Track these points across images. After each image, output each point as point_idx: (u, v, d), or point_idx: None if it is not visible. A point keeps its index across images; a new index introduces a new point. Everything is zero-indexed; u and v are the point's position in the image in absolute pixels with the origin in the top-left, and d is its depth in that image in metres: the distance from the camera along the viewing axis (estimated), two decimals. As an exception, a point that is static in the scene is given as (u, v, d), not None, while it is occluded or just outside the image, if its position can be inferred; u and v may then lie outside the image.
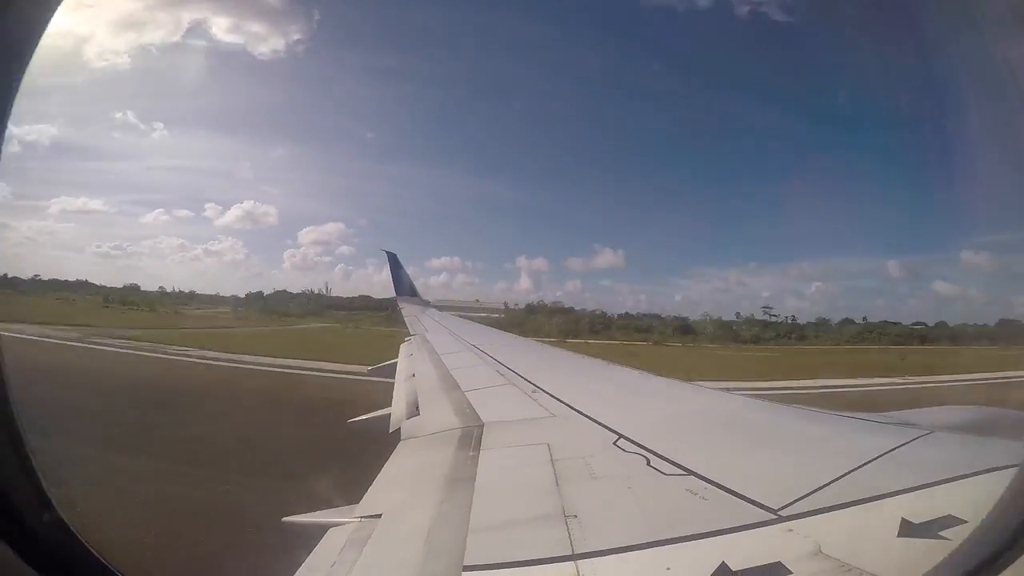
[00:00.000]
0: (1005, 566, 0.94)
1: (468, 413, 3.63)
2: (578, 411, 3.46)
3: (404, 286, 15.99)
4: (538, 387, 4.25)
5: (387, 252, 16.84)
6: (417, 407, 4.10)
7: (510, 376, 4.84)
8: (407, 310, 12.86)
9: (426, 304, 15.10)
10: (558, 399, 3.82)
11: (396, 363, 6.78)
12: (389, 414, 4.27)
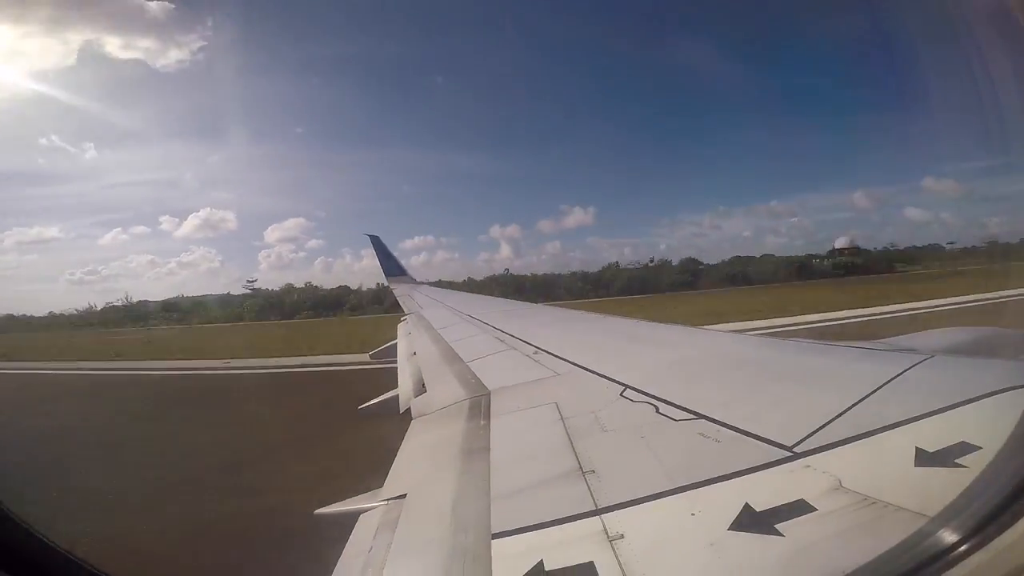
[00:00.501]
0: None
1: (473, 383, 3.65)
2: (581, 367, 3.49)
3: (392, 267, 15.92)
4: (539, 348, 4.27)
5: (370, 236, 16.66)
6: (423, 384, 4.11)
7: (510, 341, 4.86)
8: (399, 290, 12.82)
9: (416, 283, 15.04)
10: (560, 357, 3.85)
11: (395, 344, 6.78)
12: (397, 395, 4.29)
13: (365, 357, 8.99)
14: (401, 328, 7.74)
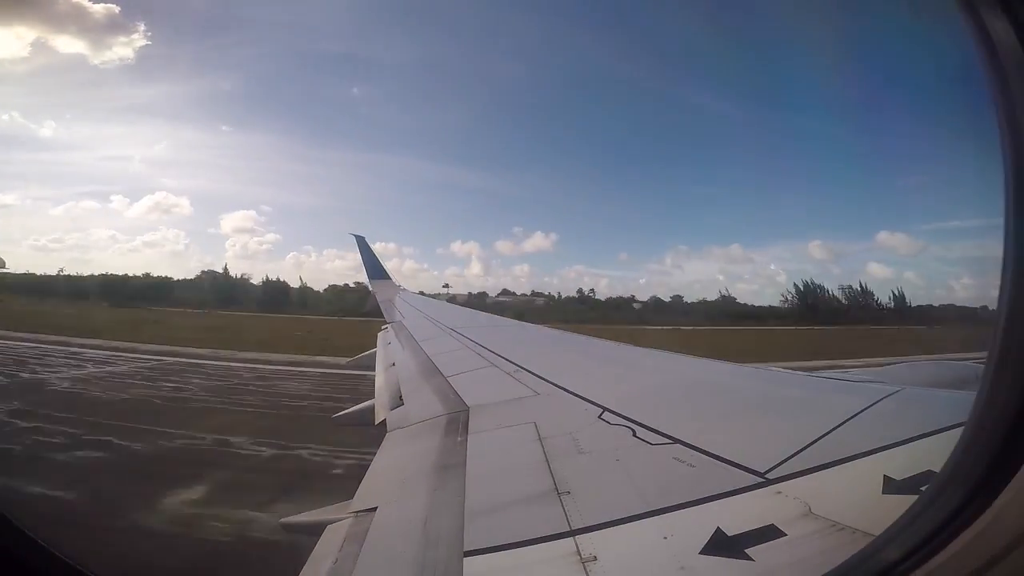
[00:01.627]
0: (964, 526, 0.99)
1: (452, 399, 3.62)
2: (561, 387, 3.49)
3: (375, 269, 15.69)
4: (520, 366, 4.26)
5: (355, 236, 16.45)
6: (400, 397, 4.06)
7: (491, 358, 4.85)
8: (381, 294, 12.67)
9: (398, 288, 14.88)
10: (541, 377, 3.85)
11: (375, 353, 6.70)
12: (373, 406, 4.23)
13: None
14: (381, 337, 7.64)
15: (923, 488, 1.52)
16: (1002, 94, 0.95)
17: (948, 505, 1.05)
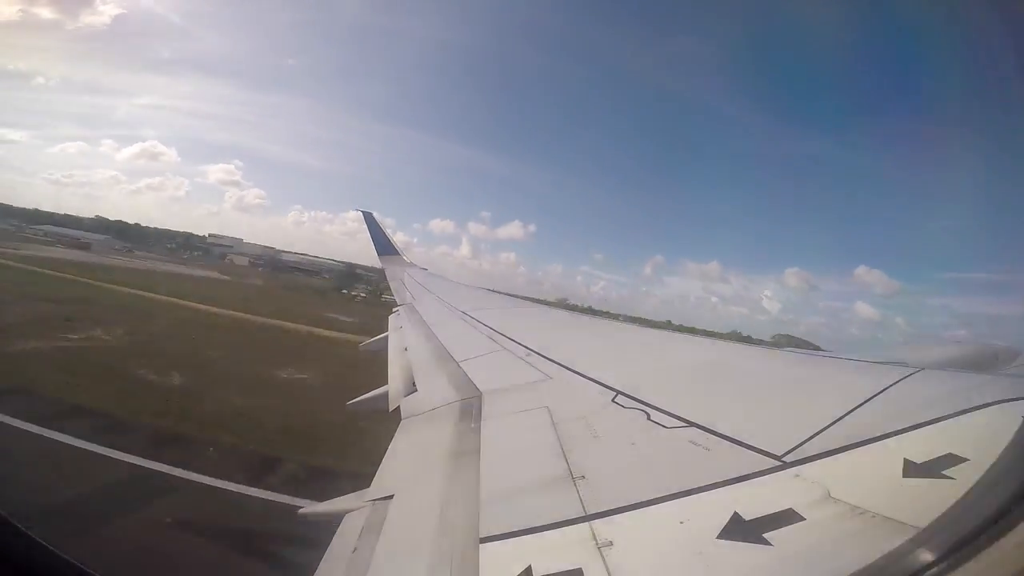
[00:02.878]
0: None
1: (465, 384, 3.63)
2: (574, 371, 3.49)
3: (384, 246, 15.54)
4: (532, 350, 4.26)
5: (363, 212, 16.18)
6: (414, 383, 4.09)
7: (502, 341, 4.85)
8: (390, 271, 12.62)
9: (407, 264, 14.76)
10: (553, 360, 3.84)
11: (387, 337, 6.73)
12: (386, 392, 4.26)
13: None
14: (392, 320, 7.65)
15: (950, 477, 1.48)
16: None
17: (1004, 495, 1.01)
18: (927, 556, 1.12)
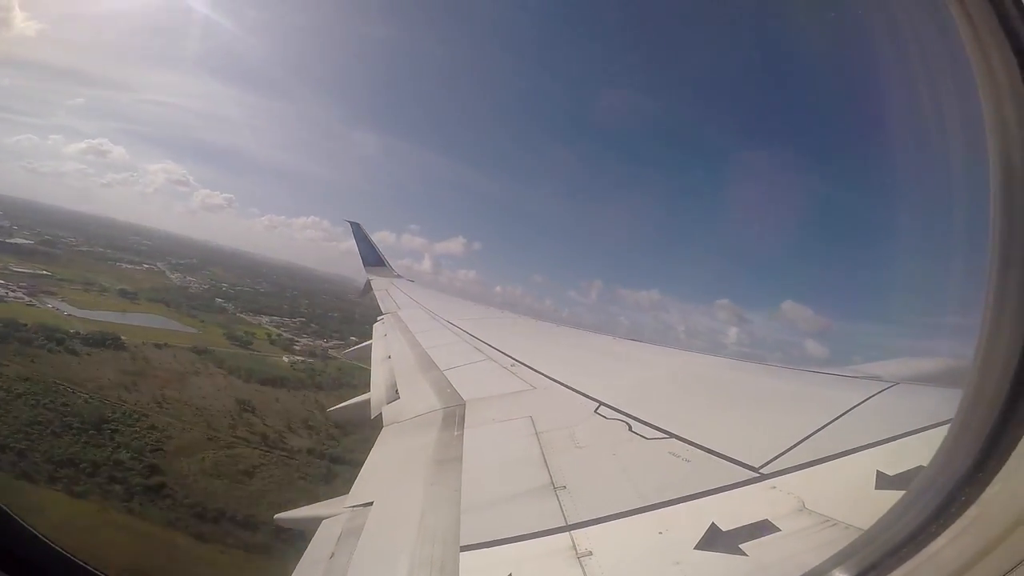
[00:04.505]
0: (947, 524, 0.99)
1: (448, 393, 3.61)
2: (557, 381, 3.50)
3: (371, 257, 15.34)
4: (516, 360, 4.26)
5: (351, 223, 16.04)
6: (396, 390, 4.06)
7: (487, 351, 4.84)
8: (377, 283, 12.51)
9: (395, 275, 14.65)
10: (537, 371, 3.85)
11: (370, 345, 6.67)
12: (368, 400, 4.22)
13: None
14: (377, 329, 7.57)
15: (911, 483, 1.52)
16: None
17: (936, 500, 1.06)
18: (877, 553, 1.14)
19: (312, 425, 22.71)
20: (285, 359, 31.49)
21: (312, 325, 39.85)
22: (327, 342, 35.62)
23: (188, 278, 47.48)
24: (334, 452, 20.53)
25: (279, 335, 36.01)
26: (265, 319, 38.97)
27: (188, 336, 31.49)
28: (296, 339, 35.95)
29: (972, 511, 0.98)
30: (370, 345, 6.69)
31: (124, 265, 46.14)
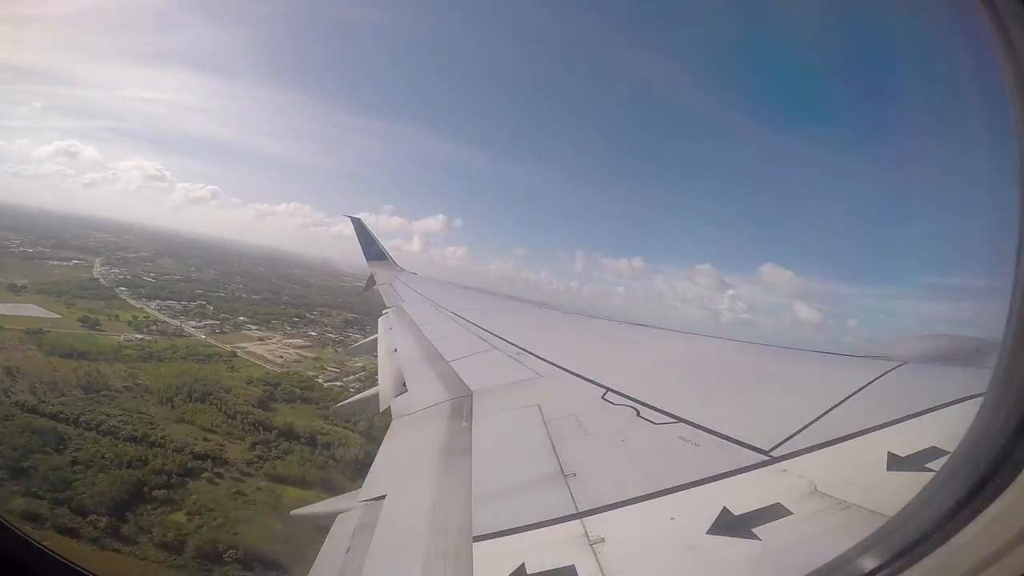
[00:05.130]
0: (982, 507, 0.97)
1: (455, 384, 3.63)
2: (564, 368, 3.50)
3: (374, 251, 15.30)
4: (522, 348, 4.26)
5: (351, 218, 15.92)
6: (404, 383, 4.08)
7: (492, 340, 4.84)
8: (380, 276, 12.51)
9: (398, 269, 14.64)
10: (542, 358, 3.85)
11: (376, 339, 6.70)
12: (376, 394, 4.24)
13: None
14: (382, 322, 7.59)
15: (933, 470, 1.51)
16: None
17: (965, 485, 1.04)
18: (897, 544, 1.14)
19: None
20: (122, 338, 33.48)
21: (208, 307, 42.54)
22: (199, 322, 38.95)
23: (114, 270, 49.98)
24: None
25: (155, 319, 38.42)
26: (154, 303, 41.49)
27: (39, 321, 33.55)
28: (170, 321, 38.44)
29: (1005, 497, 0.96)
30: (375, 340, 6.71)
31: (52, 262, 48.63)
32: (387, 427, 3.17)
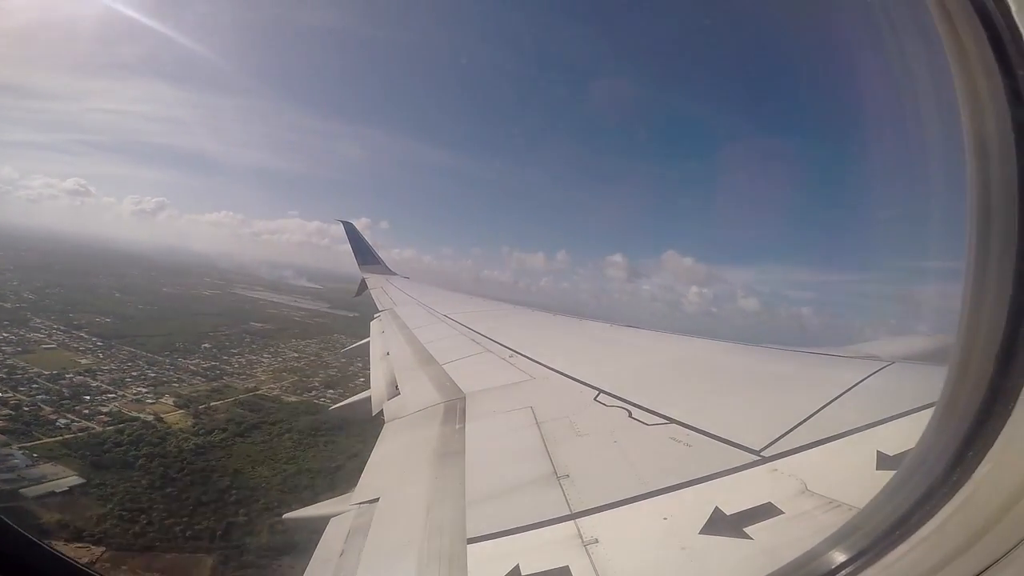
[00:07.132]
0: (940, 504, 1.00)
1: (448, 386, 3.63)
2: (556, 370, 3.51)
3: (366, 256, 15.26)
4: (514, 351, 4.28)
5: (343, 222, 15.94)
6: (396, 386, 4.07)
7: (485, 343, 4.85)
8: (372, 281, 12.50)
9: (390, 273, 14.62)
10: (535, 360, 3.86)
11: (368, 343, 6.68)
12: (369, 397, 4.23)
13: None
14: (374, 326, 7.59)
15: (899, 466, 1.54)
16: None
17: (926, 481, 1.06)
18: (866, 538, 1.16)
19: None
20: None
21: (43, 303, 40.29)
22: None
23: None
24: None
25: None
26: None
27: None
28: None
29: (964, 492, 0.99)
30: (367, 343, 6.69)
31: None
32: (380, 430, 3.15)
